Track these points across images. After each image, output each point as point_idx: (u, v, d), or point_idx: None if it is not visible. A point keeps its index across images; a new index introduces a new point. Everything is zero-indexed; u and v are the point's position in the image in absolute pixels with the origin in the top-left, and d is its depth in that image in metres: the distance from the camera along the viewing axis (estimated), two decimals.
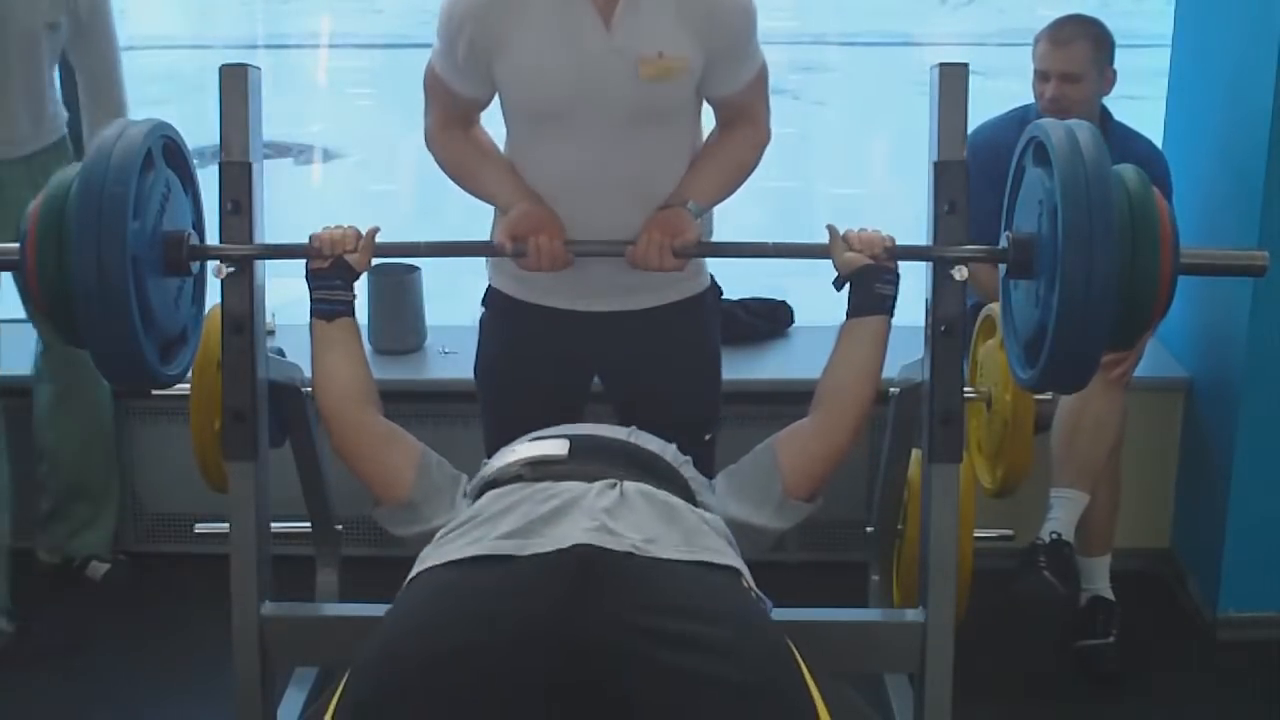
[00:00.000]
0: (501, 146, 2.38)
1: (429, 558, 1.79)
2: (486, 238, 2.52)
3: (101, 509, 3.33)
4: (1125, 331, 1.95)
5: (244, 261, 2.14)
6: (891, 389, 2.40)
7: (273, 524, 2.29)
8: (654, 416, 2.31)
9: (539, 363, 2.42)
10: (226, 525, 2.22)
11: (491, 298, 2.48)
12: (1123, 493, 3.07)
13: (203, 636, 2.83)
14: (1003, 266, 2.13)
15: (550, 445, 2.01)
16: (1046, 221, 1.94)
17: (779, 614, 2.18)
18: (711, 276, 2.47)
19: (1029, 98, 3.06)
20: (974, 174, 2.93)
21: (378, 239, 2.20)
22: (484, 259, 2.45)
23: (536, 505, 1.81)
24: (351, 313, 2.19)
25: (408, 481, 2.09)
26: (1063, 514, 2.92)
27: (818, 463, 2.13)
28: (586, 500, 1.81)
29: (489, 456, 2.46)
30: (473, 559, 1.72)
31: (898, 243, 2.17)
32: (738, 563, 1.82)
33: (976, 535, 2.35)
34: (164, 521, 3.45)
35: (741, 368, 3.34)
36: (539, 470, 1.93)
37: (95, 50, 3.07)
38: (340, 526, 2.78)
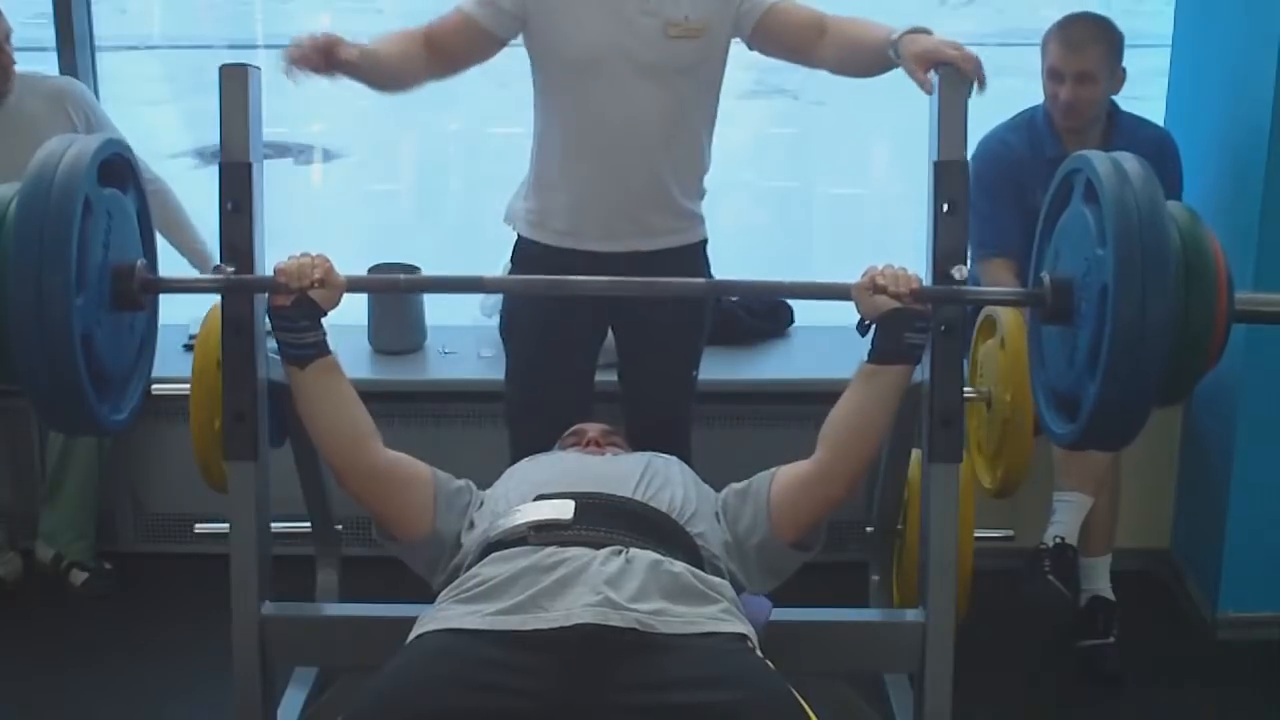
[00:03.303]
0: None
1: (430, 621, 1.79)
2: (486, 236, 2.55)
3: (83, 519, 3.31)
4: (1173, 387, 1.82)
5: (241, 264, 2.12)
6: None
7: (273, 524, 2.29)
8: (653, 347, 2.66)
9: (564, 307, 2.62)
10: (226, 525, 2.22)
11: (521, 254, 2.67)
12: (1123, 493, 3.07)
13: (203, 636, 2.83)
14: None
15: (556, 507, 1.96)
16: (1094, 264, 1.80)
17: (779, 614, 2.18)
18: (706, 239, 2.70)
19: (1029, 96, 3.06)
20: (990, 184, 2.93)
21: (343, 273, 2.05)
22: (505, 217, 2.68)
23: (540, 575, 1.80)
24: (326, 351, 2.06)
25: (429, 518, 2.06)
26: (1066, 518, 2.92)
27: (804, 511, 2.07)
28: (591, 570, 1.79)
29: (511, 412, 2.67)
30: (474, 631, 1.72)
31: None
32: (744, 627, 1.82)
33: (976, 535, 2.35)
34: (164, 521, 3.45)
35: (742, 368, 3.34)
36: (544, 535, 1.90)
37: None
38: (340, 526, 2.78)
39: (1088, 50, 2.91)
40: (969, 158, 2.71)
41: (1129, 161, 1.82)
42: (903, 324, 2.02)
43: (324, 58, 2.20)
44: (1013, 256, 2.92)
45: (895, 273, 2.03)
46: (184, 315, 3.22)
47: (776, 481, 2.09)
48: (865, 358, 2.07)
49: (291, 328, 2.02)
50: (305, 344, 2.03)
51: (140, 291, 1.93)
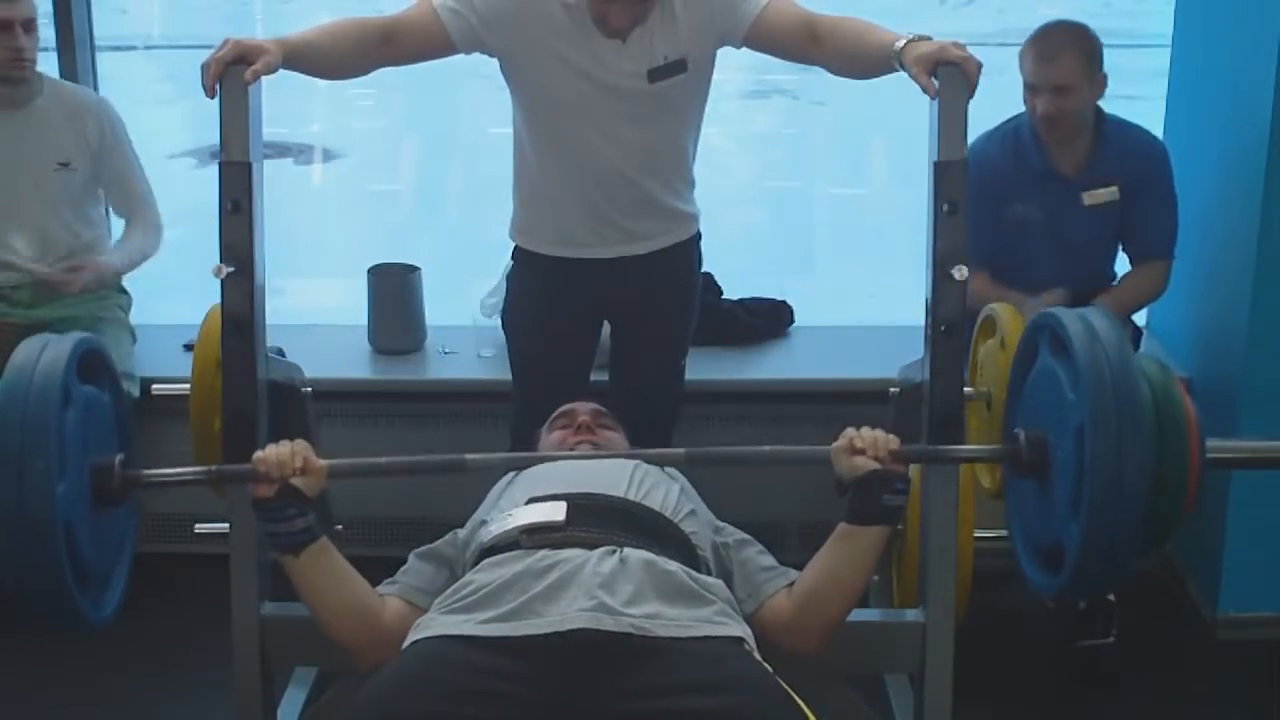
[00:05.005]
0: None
1: (425, 628, 1.79)
2: (486, 237, 2.56)
3: None
4: (1150, 539, 1.87)
5: (241, 264, 2.12)
6: (891, 389, 2.40)
7: None
8: (647, 331, 2.75)
9: (559, 302, 2.72)
10: (226, 525, 2.22)
11: (518, 255, 2.75)
12: None
13: (203, 636, 2.83)
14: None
15: (547, 510, 1.96)
16: (1068, 424, 1.87)
17: None
18: (698, 232, 2.76)
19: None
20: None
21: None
22: (508, 226, 2.72)
23: (534, 580, 1.79)
24: (318, 535, 1.99)
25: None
26: None
27: (775, 640, 2.00)
28: (585, 571, 1.79)
29: (516, 405, 2.71)
30: (468, 638, 1.72)
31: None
32: (740, 630, 1.81)
33: (976, 535, 2.35)
34: (164, 521, 3.45)
35: (741, 368, 3.34)
36: (536, 538, 1.90)
37: (119, 174, 3.18)
38: (340, 526, 2.78)
39: (1061, 61, 2.82)
40: None
41: (1098, 318, 1.90)
42: (881, 485, 1.99)
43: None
44: (987, 268, 2.91)
45: (874, 435, 2.01)
46: (184, 315, 3.22)
47: (768, 604, 2.03)
48: (843, 518, 2.03)
49: (279, 517, 1.97)
50: (295, 531, 1.97)
51: (120, 488, 1.95)
